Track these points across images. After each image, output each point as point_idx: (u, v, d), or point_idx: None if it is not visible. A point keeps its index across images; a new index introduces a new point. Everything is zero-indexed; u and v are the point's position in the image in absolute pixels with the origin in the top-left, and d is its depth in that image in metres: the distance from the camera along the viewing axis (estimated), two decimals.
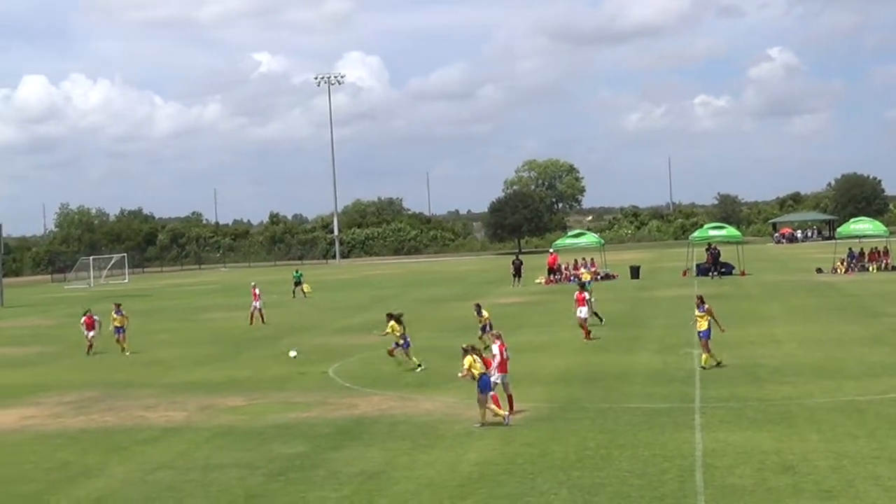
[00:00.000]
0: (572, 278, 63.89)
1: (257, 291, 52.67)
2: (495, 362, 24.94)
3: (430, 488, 18.58)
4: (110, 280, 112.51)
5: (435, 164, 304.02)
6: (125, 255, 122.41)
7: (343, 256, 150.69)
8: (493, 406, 23.67)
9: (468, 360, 23.78)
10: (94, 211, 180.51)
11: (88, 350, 40.97)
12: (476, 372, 23.67)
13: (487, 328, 36.08)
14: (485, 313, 37.62)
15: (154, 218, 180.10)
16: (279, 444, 22.91)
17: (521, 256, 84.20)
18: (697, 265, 72.49)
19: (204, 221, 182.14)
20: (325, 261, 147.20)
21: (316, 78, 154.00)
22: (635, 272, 72.83)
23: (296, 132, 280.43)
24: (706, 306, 30.94)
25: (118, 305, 43.00)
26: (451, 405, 26.47)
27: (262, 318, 51.70)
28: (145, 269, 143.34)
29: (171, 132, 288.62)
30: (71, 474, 20.95)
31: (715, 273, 69.22)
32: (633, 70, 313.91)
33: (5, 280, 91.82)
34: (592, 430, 22.73)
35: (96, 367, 38.07)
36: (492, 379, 24.24)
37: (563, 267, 73.60)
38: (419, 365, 32.59)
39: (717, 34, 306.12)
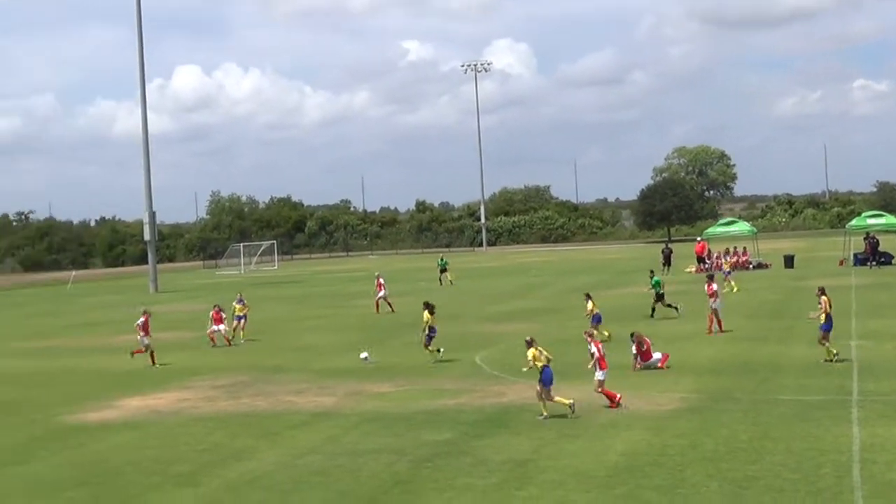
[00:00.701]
0: (724, 268, 62.80)
1: (381, 281, 53.17)
2: (594, 359, 24.82)
3: (577, 478, 18.54)
4: (260, 267, 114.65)
5: (583, 150, 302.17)
6: (275, 241, 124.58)
7: (490, 244, 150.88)
8: (558, 398, 23.75)
9: (532, 352, 23.96)
10: (244, 198, 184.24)
11: (213, 342, 40.58)
12: (539, 364, 23.78)
13: (598, 320, 36.29)
14: (590, 304, 37.56)
15: (303, 205, 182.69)
16: (427, 430, 23.10)
17: (670, 245, 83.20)
18: (855, 255, 70.62)
19: (352, 209, 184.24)
20: (471, 249, 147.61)
21: (463, 66, 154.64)
22: (789, 261, 71.34)
23: (443, 119, 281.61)
24: (825, 298, 30.27)
25: (240, 294, 43.99)
26: (598, 394, 26.34)
27: (391, 307, 51.86)
28: (294, 256, 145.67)
29: (321, 120, 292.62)
30: (223, 456, 21.48)
31: (874, 263, 67.37)
32: (788, 54, 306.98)
33: (159, 266, 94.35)
34: (744, 423, 22.39)
35: (247, 352, 38.91)
36: (598, 377, 24.53)
37: (714, 255, 72.48)
38: (438, 351, 33.69)
39: (877, 16, 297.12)
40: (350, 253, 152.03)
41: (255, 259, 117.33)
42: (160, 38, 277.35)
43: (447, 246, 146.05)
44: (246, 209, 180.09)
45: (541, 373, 23.80)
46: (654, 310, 43.11)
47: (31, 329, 52.59)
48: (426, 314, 33.90)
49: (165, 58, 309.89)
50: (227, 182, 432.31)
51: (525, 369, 24.69)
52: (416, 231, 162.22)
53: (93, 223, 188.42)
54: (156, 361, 35.51)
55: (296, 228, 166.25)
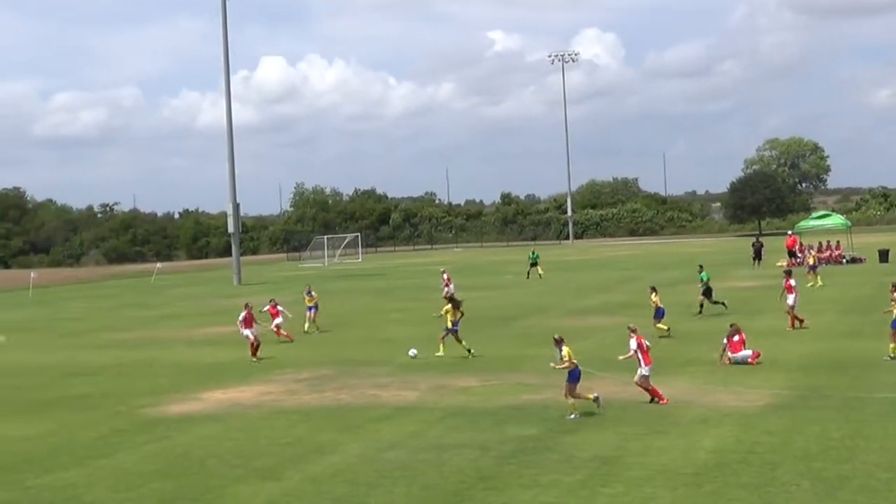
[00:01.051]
0: (808, 261, 61.93)
1: (446, 276, 53.19)
2: (639, 354, 24.88)
3: (665, 475, 18.43)
4: (344, 259, 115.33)
5: (671, 142, 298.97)
6: (359, 234, 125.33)
7: (576, 238, 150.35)
8: (584, 395, 23.97)
9: (567, 350, 24.09)
10: (328, 190, 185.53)
11: (278, 334, 40.37)
12: (574, 362, 23.98)
13: (661, 314, 36.20)
14: (654, 297, 37.44)
15: (387, 198, 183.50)
16: (512, 425, 23.10)
17: (761, 238, 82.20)
18: None
19: (436, 201, 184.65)
20: (558, 241, 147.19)
21: (550, 56, 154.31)
22: (884, 256, 70.13)
23: (529, 110, 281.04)
24: None
25: (309, 287, 45.07)
26: (686, 390, 26.17)
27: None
28: (378, 249, 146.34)
29: (405, 112, 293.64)
30: (305, 450, 21.67)
31: None
32: (885, 43, 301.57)
33: (243, 258, 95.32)
34: (836, 420, 22.09)
35: (330, 345, 39.19)
36: (641, 373, 24.66)
37: (805, 248, 71.48)
38: (469, 351, 33.90)
39: None
40: (434, 246, 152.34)
41: (338, 252, 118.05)
42: (245, 28, 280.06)
43: (533, 239, 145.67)
44: (330, 201, 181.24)
45: (571, 371, 23.98)
46: (702, 306, 42.83)
47: (115, 321, 53.46)
48: (447, 307, 34.56)
49: (250, 49, 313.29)
50: (311, 174, 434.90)
51: (558, 367, 24.61)
52: (500, 224, 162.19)
53: (176, 215, 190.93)
54: (256, 355, 35.56)
55: (380, 221, 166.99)
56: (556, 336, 24.94)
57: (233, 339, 38.49)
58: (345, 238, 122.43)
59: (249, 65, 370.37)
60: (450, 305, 34.90)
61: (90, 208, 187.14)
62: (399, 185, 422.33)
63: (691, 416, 23.24)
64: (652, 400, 24.72)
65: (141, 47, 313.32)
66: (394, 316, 49.03)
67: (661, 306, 37.44)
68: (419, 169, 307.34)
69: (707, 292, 42.99)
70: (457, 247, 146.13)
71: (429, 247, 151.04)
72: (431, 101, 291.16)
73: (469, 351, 33.95)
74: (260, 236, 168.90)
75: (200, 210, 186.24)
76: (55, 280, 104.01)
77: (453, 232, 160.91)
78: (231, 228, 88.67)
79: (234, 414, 26.23)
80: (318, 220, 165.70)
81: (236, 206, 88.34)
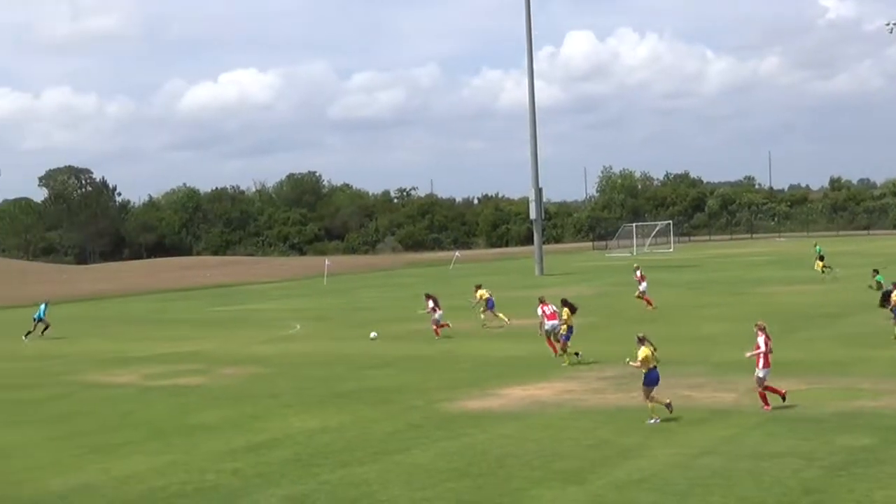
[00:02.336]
0: None
1: (639, 273, 52.37)
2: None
3: None
4: (654, 249, 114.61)
5: None
6: (670, 222, 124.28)
7: None
8: (659, 399, 24.59)
9: (645, 351, 24.52)
10: (637, 174, 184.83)
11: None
12: (651, 365, 24.47)
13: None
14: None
15: (702, 182, 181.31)
16: (841, 434, 22.37)
17: None
18: None
19: (756, 186, 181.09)
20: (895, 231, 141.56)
21: (889, 25, 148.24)
22: None
23: (865, 85, 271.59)
24: None
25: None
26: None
27: (649, 303, 50.78)
28: (692, 238, 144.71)
29: (723, 88, 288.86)
30: (610, 453, 21.62)
31: None
32: None
33: (545, 247, 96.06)
34: None
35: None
36: (758, 374, 25.04)
37: None
38: (576, 354, 33.89)
39: None
40: (754, 235, 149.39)
41: (648, 240, 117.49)
42: (551, 2, 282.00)
43: (865, 228, 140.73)
44: (639, 186, 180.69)
45: (647, 373, 24.50)
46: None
47: (410, 312, 54.88)
48: (566, 312, 34.48)
49: (556, 23, 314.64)
50: (619, 156, 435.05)
51: (633, 363, 25.03)
52: (829, 211, 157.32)
53: (475, 201, 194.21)
54: (559, 351, 35.74)
55: (694, 207, 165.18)
56: (640, 335, 25.28)
57: (532, 332, 38.80)
58: (655, 226, 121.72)
59: (555, 40, 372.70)
60: (567, 309, 34.77)
61: (386, 193, 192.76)
62: (715, 168, 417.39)
63: None
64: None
65: (440, 24, 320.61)
66: (709, 311, 48.35)
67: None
68: (738, 151, 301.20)
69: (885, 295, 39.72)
70: (779, 236, 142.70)
71: (748, 236, 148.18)
72: (753, 77, 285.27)
73: (577, 354, 34.27)
74: (564, 223, 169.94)
75: (501, 195, 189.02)
76: (350, 267, 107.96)
77: (776, 220, 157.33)
78: (533, 215, 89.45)
79: (534, 412, 26.46)
80: (627, 206, 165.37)
81: (539, 192, 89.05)
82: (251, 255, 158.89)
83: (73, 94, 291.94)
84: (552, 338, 35.23)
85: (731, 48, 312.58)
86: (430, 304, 43.80)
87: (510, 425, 24.96)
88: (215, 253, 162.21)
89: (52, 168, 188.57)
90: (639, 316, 45.37)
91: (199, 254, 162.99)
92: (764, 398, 25.21)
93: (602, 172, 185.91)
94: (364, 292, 74.64)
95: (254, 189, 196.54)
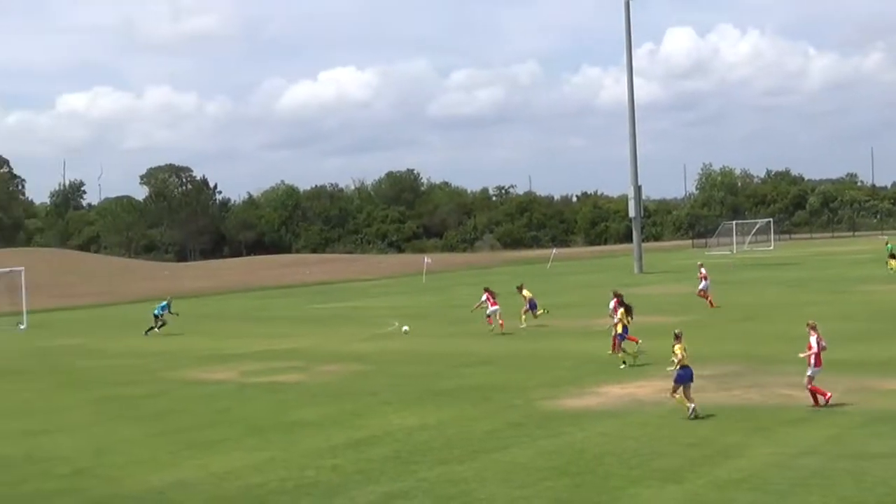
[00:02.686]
0: None
1: (704, 271, 52.55)
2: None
3: None
4: (754, 247, 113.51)
5: None
6: (770, 220, 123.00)
7: None
8: (679, 397, 24.87)
9: (679, 348, 24.80)
10: (737, 171, 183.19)
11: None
12: (685, 363, 24.69)
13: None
14: None
15: (803, 180, 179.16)
16: None
17: None
18: None
19: (859, 183, 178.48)
20: None
21: None
22: None
23: None
24: None
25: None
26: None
27: (710, 302, 51.09)
28: (792, 236, 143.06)
29: (825, 85, 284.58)
30: (709, 452, 21.49)
31: None
32: None
33: (644, 245, 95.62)
34: None
35: (738, 339, 38.71)
36: (808, 373, 25.37)
37: None
38: (625, 362, 33.60)
39: None
40: (856, 233, 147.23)
41: (748, 238, 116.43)
42: None
43: None
44: (739, 183, 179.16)
45: (679, 370, 24.72)
46: None
47: (506, 309, 54.87)
48: (621, 311, 34.64)
49: (656, 20, 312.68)
50: (719, 154, 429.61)
51: (670, 369, 25.10)
52: None
53: (574, 198, 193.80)
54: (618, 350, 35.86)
55: (795, 205, 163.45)
56: (676, 331, 25.49)
57: (631, 330, 38.54)
58: (755, 224, 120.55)
59: (655, 37, 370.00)
60: (623, 310, 34.87)
61: (484, 191, 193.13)
62: (817, 165, 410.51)
63: None
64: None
65: (540, 21, 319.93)
66: (809, 310, 47.63)
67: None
68: (840, 148, 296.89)
69: None
70: (882, 234, 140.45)
71: (850, 234, 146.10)
72: (855, 73, 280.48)
73: (627, 361, 33.90)
74: (663, 221, 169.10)
75: (599, 193, 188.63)
76: (448, 265, 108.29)
77: (878, 217, 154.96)
78: (632, 213, 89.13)
79: (632, 410, 26.39)
80: (726, 203, 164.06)
81: (638, 189, 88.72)
82: (350, 252, 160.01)
83: (174, 93, 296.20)
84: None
85: (834, 44, 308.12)
86: (485, 297, 45.55)
87: (609, 423, 24.92)
88: (314, 251, 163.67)
89: (153, 166, 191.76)
90: (741, 314, 45.03)
91: (298, 251, 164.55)
92: (814, 396, 25.36)
93: (702, 170, 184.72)
94: (462, 290, 74.76)
95: (352, 187, 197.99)
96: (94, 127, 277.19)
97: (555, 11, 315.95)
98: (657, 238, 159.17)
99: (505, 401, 28.56)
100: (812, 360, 25.33)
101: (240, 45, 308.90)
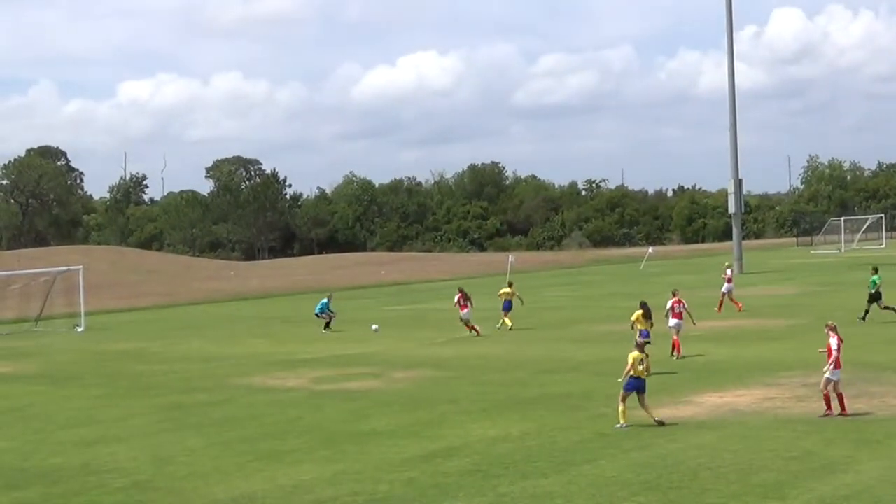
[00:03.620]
0: None
1: (730, 273, 53.28)
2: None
3: None
4: (864, 245, 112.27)
5: None
6: (882, 215, 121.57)
7: None
8: (622, 408, 25.85)
9: (633, 356, 25.98)
10: (846, 164, 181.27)
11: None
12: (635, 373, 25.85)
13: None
14: None
15: None
16: None
17: None
18: None
19: None
20: None
21: None
22: None
23: None
24: None
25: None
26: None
27: (736, 304, 51.58)
28: None
29: None
30: (813, 466, 21.35)
31: None
32: None
33: (745, 242, 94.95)
34: None
35: (846, 345, 38.08)
36: (826, 375, 25.77)
37: None
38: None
39: None
40: None
41: (857, 236, 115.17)
42: None
43: None
44: (848, 177, 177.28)
45: (630, 379, 25.89)
46: (867, 312, 44.69)
47: (598, 312, 54.83)
48: (638, 313, 35.90)
49: (761, 0, 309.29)
50: (827, 145, 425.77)
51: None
52: None
53: (670, 193, 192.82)
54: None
55: None
56: (639, 340, 27.60)
57: (730, 334, 38.42)
58: (866, 220, 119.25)
59: (760, 19, 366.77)
60: (640, 312, 35.87)
61: (573, 185, 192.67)
62: None
63: None
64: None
65: (635, 2, 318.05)
66: None
67: None
68: None
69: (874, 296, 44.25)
70: None
71: None
72: None
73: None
74: (765, 217, 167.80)
75: (697, 187, 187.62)
76: (534, 264, 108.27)
77: None
78: (732, 208, 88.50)
79: (731, 421, 26.24)
80: (834, 198, 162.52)
81: (738, 183, 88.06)
82: (428, 251, 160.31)
83: (244, 80, 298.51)
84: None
85: None
86: (457, 297, 47.73)
87: (705, 435, 24.82)
88: (391, 248, 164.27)
89: (219, 159, 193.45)
90: (849, 318, 44.45)
91: (373, 249, 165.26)
92: (828, 401, 25.85)
93: (808, 162, 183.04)
94: (549, 291, 74.72)
95: (431, 181, 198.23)
96: (158, 117, 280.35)
97: None
98: (759, 236, 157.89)
99: (593, 410, 28.52)
100: (832, 363, 25.61)
101: (315, 28, 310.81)
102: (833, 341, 25.77)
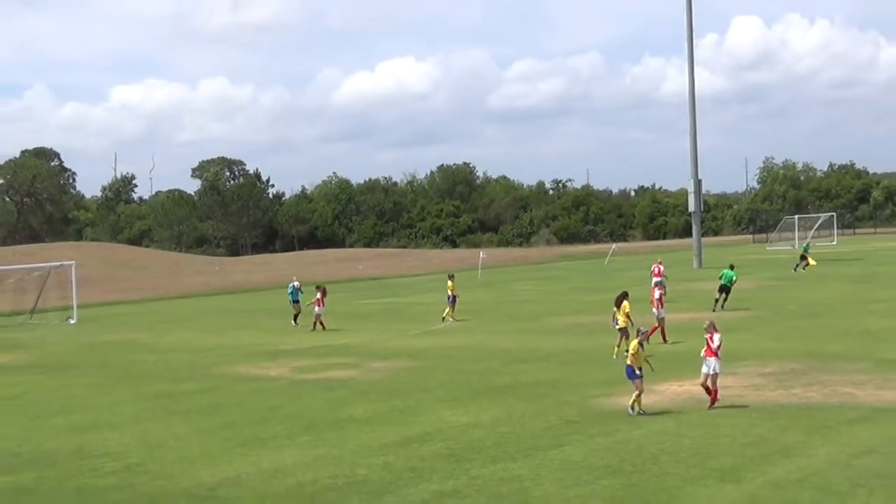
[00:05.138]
0: None
1: (661, 268, 53.08)
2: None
3: None
4: (816, 242, 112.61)
5: None
6: (833, 214, 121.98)
7: None
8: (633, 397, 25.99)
9: (634, 345, 26.26)
10: (800, 166, 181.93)
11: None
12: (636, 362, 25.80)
13: None
14: None
15: (867, 173, 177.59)
16: None
17: None
18: None
19: None
20: None
21: None
22: None
23: None
24: None
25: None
26: None
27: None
28: (856, 231, 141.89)
29: (894, 77, 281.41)
30: (768, 451, 21.41)
31: None
32: None
33: (704, 239, 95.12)
34: None
35: (799, 336, 38.49)
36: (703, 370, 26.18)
37: None
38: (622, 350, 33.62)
39: None
40: None
41: (810, 233, 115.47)
42: None
43: None
44: (802, 178, 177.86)
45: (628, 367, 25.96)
46: (717, 301, 47.32)
47: (564, 305, 54.87)
48: (624, 304, 35.49)
49: (722, 8, 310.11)
50: (783, 148, 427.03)
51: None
52: None
53: (632, 192, 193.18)
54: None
55: (859, 199, 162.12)
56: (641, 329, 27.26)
57: (690, 326, 38.54)
58: (818, 218, 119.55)
59: (720, 27, 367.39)
60: (626, 302, 35.68)
61: (541, 185, 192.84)
62: (883, 159, 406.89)
63: None
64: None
65: (601, 10, 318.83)
66: (874, 306, 47.43)
67: None
68: None
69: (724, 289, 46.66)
70: None
71: None
72: None
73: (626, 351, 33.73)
74: (723, 216, 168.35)
75: (658, 187, 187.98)
76: (503, 260, 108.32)
77: None
78: (692, 207, 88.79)
79: (690, 408, 26.30)
80: (788, 198, 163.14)
81: (698, 183, 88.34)
82: (403, 247, 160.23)
83: (229, 85, 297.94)
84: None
85: None
86: (318, 295, 48.86)
87: (666, 422, 24.87)
88: (368, 245, 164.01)
89: (205, 159, 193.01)
90: (803, 311, 44.75)
91: (351, 245, 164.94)
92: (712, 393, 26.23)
93: (763, 163, 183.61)
94: (518, 285, 74.81)
95: (405, 180, 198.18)
96: (147, 120, 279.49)
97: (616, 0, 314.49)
98: (717, 233, 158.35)
99: (560, 398, 28.55)
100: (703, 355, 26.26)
101: (298, 35, 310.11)
102: (717, 337, 26.11)
